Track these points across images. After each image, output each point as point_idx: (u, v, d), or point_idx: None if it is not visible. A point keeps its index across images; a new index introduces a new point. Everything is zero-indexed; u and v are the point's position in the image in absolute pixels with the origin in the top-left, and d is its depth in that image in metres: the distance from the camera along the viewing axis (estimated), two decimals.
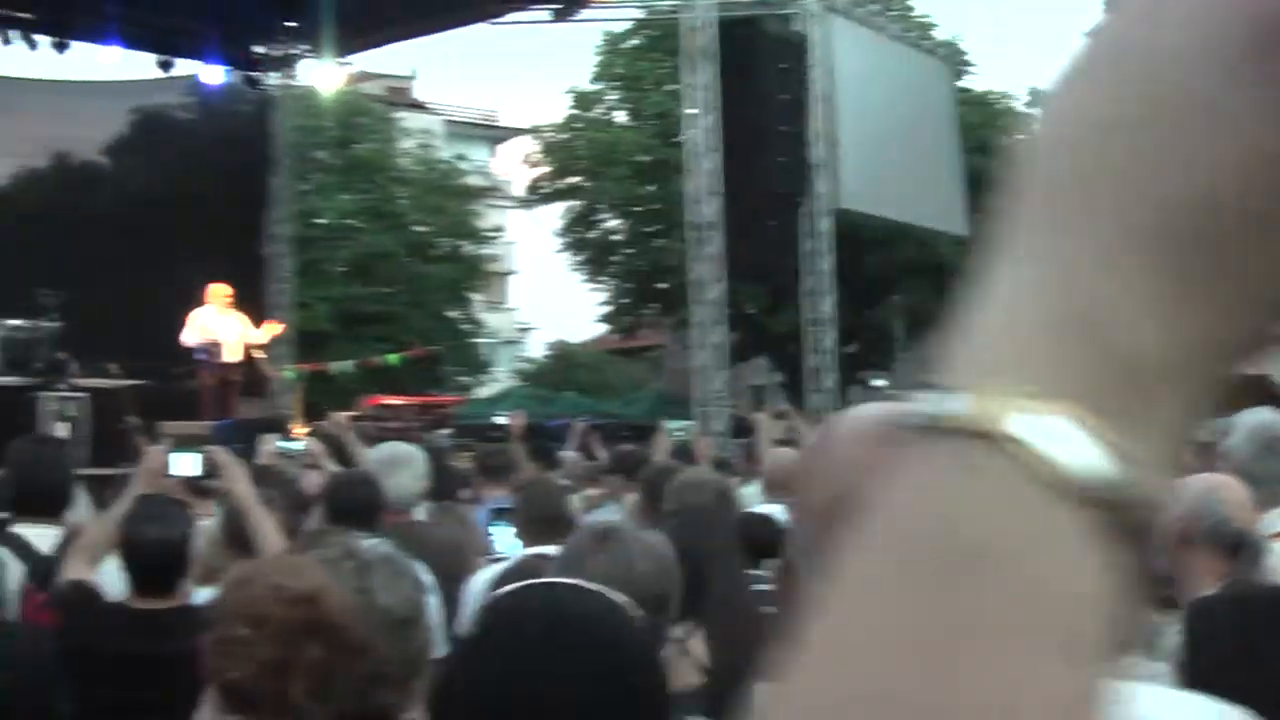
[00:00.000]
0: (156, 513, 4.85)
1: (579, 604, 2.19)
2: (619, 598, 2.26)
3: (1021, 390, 0.55)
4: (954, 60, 31.03)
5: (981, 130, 29.78)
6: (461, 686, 2.07)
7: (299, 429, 15.83)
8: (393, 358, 30.96)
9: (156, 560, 4.74)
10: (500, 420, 8.28)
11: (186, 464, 5.38)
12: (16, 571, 5.16)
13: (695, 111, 20.28)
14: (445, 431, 21.57)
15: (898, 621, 0.54)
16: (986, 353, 0.58)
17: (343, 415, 9.93)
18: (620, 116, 38.85)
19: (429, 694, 2.26)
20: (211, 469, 5.31)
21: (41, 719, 4.32)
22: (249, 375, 19.27)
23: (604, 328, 44.10)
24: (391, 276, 39.78)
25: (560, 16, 21.52)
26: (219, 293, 18.34)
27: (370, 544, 3.47)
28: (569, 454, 11.01)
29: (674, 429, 10.41)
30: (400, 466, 6.64)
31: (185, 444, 5.70)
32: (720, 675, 4.17)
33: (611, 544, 3.43)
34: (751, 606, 4.52)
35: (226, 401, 18.02)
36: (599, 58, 38.40)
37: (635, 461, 8.78)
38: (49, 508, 5.78)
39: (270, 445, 8.14)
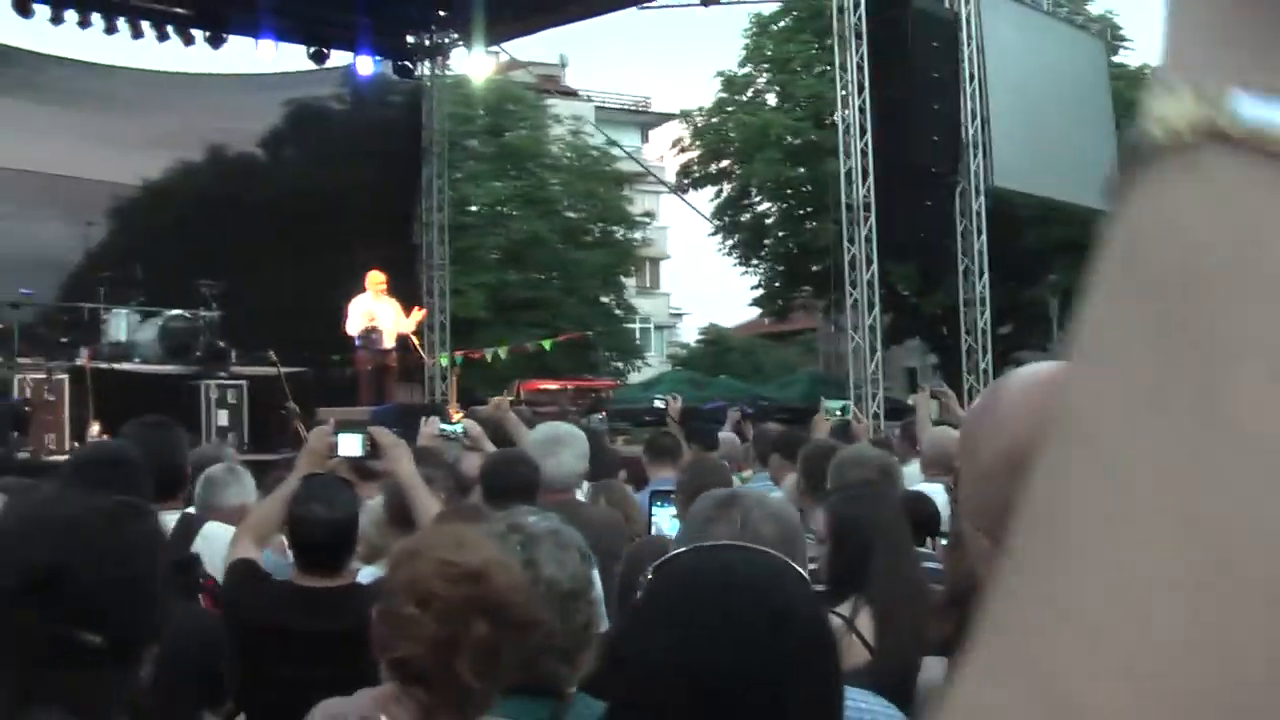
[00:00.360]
0: (322, 493, 4.92)
1: (749, 566, 2.17)
2: (787, 561, 2.24)
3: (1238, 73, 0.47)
4: (1108, 35, 30.42)
5: (1136, 106, 29.11)
6: (633, 653, 2.07)
7: (456, 413, 16.00)
8: (546, 343, 31.14)
9: (323, 539, 4.82)
10: (657, 404, 8.23)
11: (351, 445, 5.44)
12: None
13: (846, 92, 20.13)
14: (599, 415, 21.69)
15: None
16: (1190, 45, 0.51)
17: (501, 398, 9.97)
18: (770, 99, 38.65)
19: (599, 663, 2.26)
20: (375, 450, 5.37)
21: (207, 691, 4.42)
22: (405, 361, 19.51)
23: (756, 311, 43.92)
24: (544, 263, 39.99)
25: (708, 1, 21.45)
26: (375, 280, 18.58)
27: (535, 518, 3.49)
28: (727, 435, 10.98)
29: (832, 409, 10.29)
30: (562, 446, 6.65)
31: (349, 426, 5.75)
32: (888, 652, 4.14)
33: (734, 509, 3.41)
34: (919, 583, 4.43)
35: (383, 387, 18.25)
36: (747, 41, 38.25)
37: (795, 442, 8.65)
38: (167, 491, 5.87)
39: (431, 428, 8.18)
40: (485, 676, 2.79)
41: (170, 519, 5.91)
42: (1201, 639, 0.43)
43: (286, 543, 5.34)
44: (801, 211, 36.91)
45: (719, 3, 21.64)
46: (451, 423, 8.77)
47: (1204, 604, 0.43)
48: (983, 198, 21.12)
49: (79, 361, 16.76)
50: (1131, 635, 0.44)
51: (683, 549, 2.31)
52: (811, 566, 5.03)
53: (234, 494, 6.42)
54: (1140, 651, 0.43)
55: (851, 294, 20.14)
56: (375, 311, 18.40)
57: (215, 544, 5.55)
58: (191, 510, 6.26)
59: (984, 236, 21.22)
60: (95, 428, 15.81)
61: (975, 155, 20.76)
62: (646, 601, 2.13)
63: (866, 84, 19.76)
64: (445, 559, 2.84)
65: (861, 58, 19.73)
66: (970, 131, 20.66)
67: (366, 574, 5.11)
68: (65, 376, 16.46)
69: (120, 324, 18.17)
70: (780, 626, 2.07)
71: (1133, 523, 0.45)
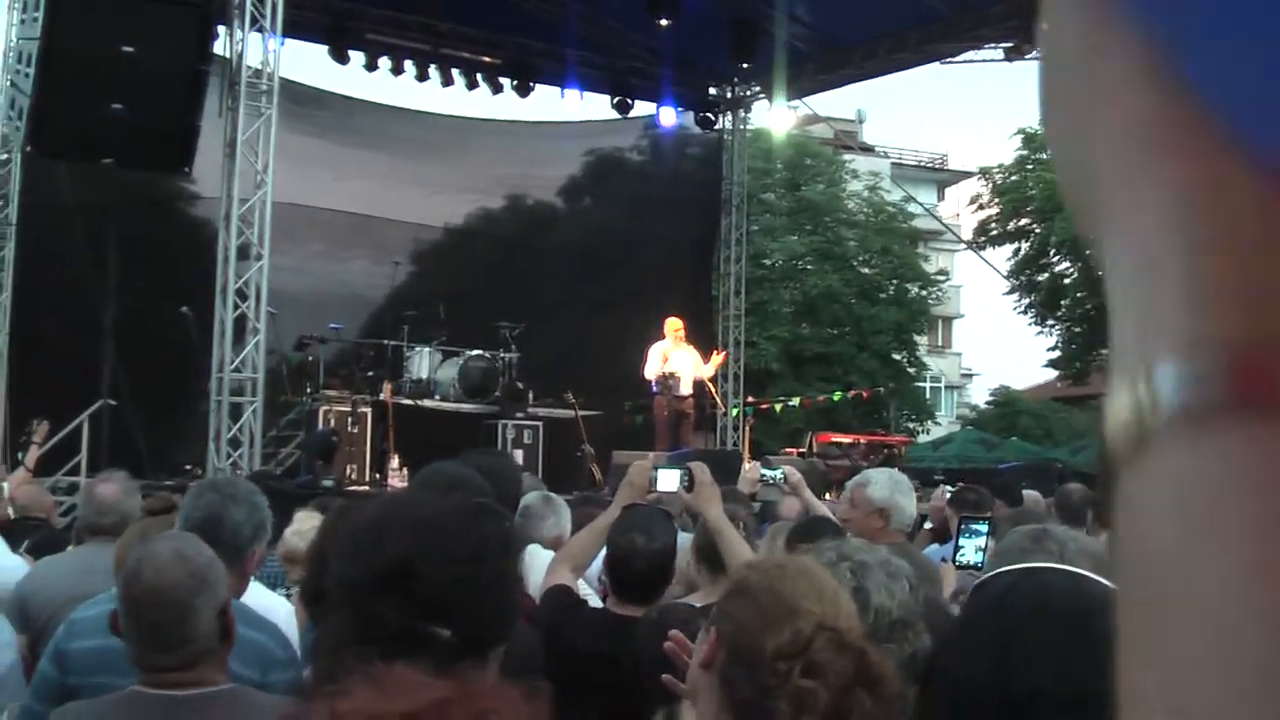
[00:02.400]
0: (643, 524, 4.94)
1: (1068, 586, 2.08)
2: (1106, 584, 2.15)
3: None
4: None
5: None
6: (951, 672, 2.00)
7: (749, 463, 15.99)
8: (836, 395, 31.00)
9: (641, 569, 4.82)
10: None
11: (670, 480, 5.45)
12: None
13: None
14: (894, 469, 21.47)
15: None
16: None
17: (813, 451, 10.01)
18: None
19: (919, 680, 2.18)
20: (691, 486, 5.35)
21: None
22: (700, 409, 19.57)
23: (1049, 374, 43.09)
24: (837, 317, 39.90)
25: (1011, 55, 21.11)
26: (674, 326, 18.67)
27: (861, 545, 3.44)
28: (1031, 494, 10.82)
29: None
30: (905, 490, 6.80)
31: (668, 463, 5.78)
32: None
33: (1049, 540, 3.29)
34: None
35: (679, 433, 18.32)
36: None
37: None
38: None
39: (754, 472, 8.24)
40: None
41: None
42: None
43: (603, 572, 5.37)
44: (1102, 272, 36.09)
45: (1022, 57, 21.21)
46: (773, 466, 8.80)
47: None
48: None
49: (381, 396, 17.25)
50: None
51: (1003, 569, 2.23)
52: None
53: (551, 525, 6.52)
54: None
55: None
56: (672, 358, 18.49)
57: (536, 565, 5.63)
58: None
59: None
60: (395, 460, 16.24)
61: None
62: (965, 620, 2.05)
63: None
64: (828, 624, 2.78)
65: None
66: None
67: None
68: (368, 410, 16.97)
69: (422, 362, 18.68)
70: (1102, 646, 1.96)
71: None
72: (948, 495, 9.90)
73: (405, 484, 13.46)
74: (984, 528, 6.41)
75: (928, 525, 10.37)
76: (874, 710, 2.70)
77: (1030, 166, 38.33)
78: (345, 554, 2.42)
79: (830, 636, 2.72)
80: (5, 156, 16.73)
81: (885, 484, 6.73)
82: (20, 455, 12.76)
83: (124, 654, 3.81)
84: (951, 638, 2.08)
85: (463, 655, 2.23)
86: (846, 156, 43.97)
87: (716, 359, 19.85)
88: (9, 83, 15.28)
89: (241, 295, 15.34)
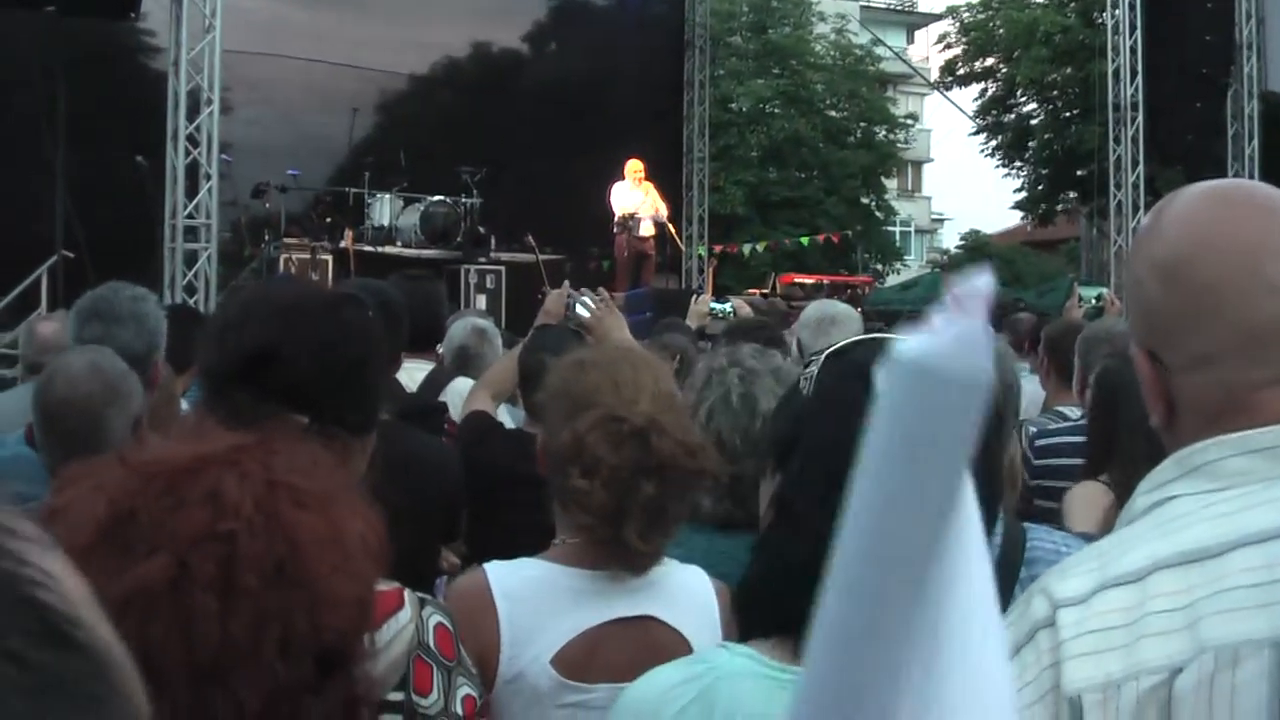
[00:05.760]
0: (551, 342, 4.98)
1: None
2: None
3: None
4: None
5: None
6: (818, 436, 2.05)
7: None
8: (804, 239, 31.01)
9: None
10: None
11: (586, 308, 5.48)
12: None
13: None
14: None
15: None
16: None
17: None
18: None
19: (771, 448, 2.23)
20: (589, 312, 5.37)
21: (448, 523, 4.54)
22: (663, 252, 19.60)
23: (1017, 217, 43.08)
24: (805, 162, 39.74)
25: None
26: (633, 168, 18.65)
27: (753, 350, 3.51)
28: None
29: (1087, 295, 10.08)
30: (839, 325, 6.37)
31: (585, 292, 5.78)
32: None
33: None
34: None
35: (641, 274, 18.38)
36: None
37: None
38: (423, 342, 6.11)
39: (703, 305, 8.24)
40: (652, 539, 2.81)
41: (423, 369, 6.08)
42: None
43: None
44: (1068, 114, 35.98)
45: None
46: (723, 301, 8.83)
47: None
48: (1255, 101, 20.32)
49: (343, 244, 17.23)
50: None
51: (854, 338, 2.28)
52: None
53: (491, 359, 6.51)
54: None
55: (1116, 195, 19.66)
56: (631, 199, 18.48)
57: (461, 397, 5.69)
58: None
59: (1255, 141, 20.44)
60: None
61: (1249, 57, 19.95)
62: (826, 389, 2.10)
63: None
64: (613, 415, 2.82)
65: None
66: (1245, 32, 19.86)
67: None
68: (329, 258, 16.96)
69: (384, 208, 18.65)
70: None
71: None
72: None
73: None
74: None
75: None
76: (665, 492, 2.78)
77: (997, 5, 38.00)
78: (210, 341, 2.48)
79: (607, 430, 2.78)
80: None
81: (811, 325, 6.45)
82: None
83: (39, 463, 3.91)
84: (819, 403, 2.13)
85: (322, 445, 2.29)
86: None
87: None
88: None
89: (193, 141, 15.28)
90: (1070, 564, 1.70)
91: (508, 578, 2.87)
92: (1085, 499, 4.27)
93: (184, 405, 5.07)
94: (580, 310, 5.50)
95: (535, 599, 2.84)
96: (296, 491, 1.54)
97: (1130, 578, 1.58)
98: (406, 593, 2.26)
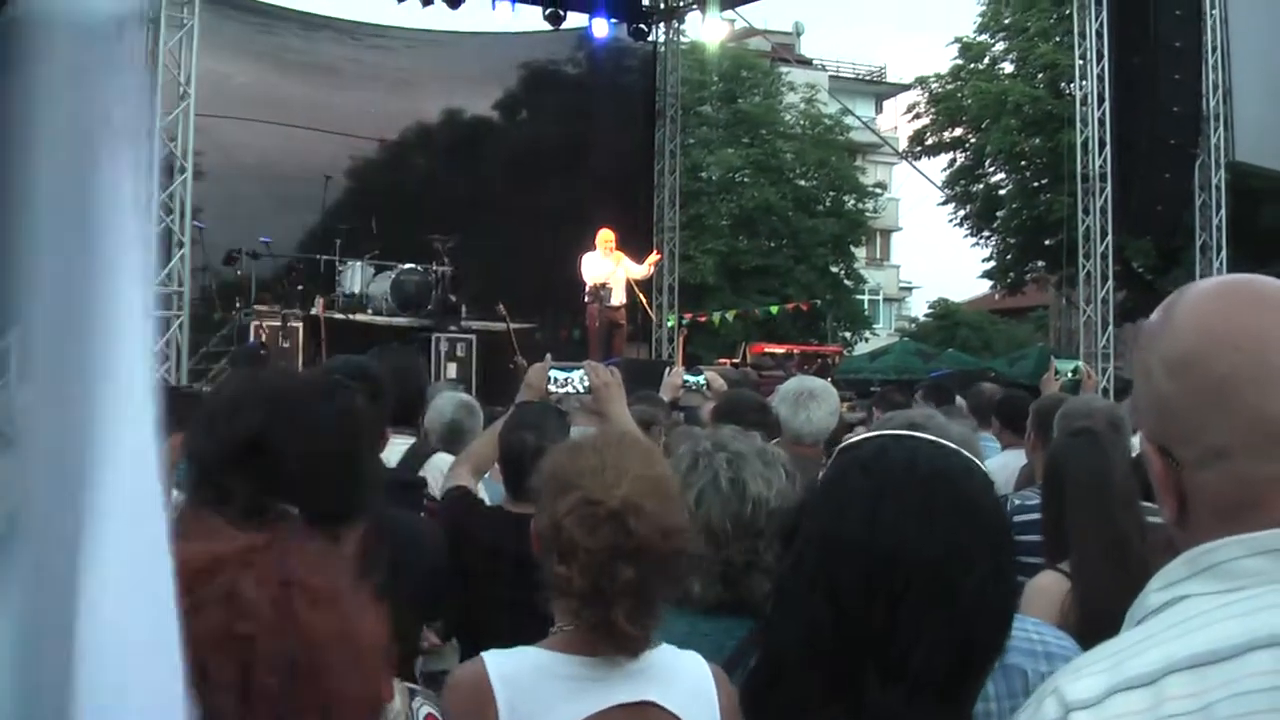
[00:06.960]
0: (533, 421, 4.96)
1: (936, 455, 2.14)
2: (971, 457, 2.20)
3: None
4: None
5: None
6: (817, 528, 2.05)
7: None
8: (773, 309, 31.10)
9: (530, 466, 4.84)
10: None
11: (569, 382, 5.46)
12: None
13: (1084, 60, 19.75)
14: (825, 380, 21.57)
15: None
16: None
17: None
18: (1007, 67, 38.01)
19: (781, 535, 2.24)
20: (592, 386, 5.36)
21: (429, 601, 4.50)
22: (634, 322, 19.62)
23: (986, 285, 43.30)
24: (775, 230, 39.93)
25: None
26: (604, 238, 18.68)
27: (737, 433, 3.49)
28: (960, 403, 10.87)
29: (1063, 369, 10.09)
30: (817, 400, 6.51)
31: (567, 365, 5.75)
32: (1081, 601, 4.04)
33: (925, 422, 3.36)
34: (1126, 536, 4.21)
35: (612, 344, 18.38)
36: (984, 7, 37.73)
37: (1017, 404, 8.40)
38: (404, 416, 6.08)
39: (676, 378, 8.24)
40: (639, 622, 2.78)
41: (403, 444, 6.04)
42: None
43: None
44: (1037, 184, 36.20)
45: None
46: (696, 373, 8.82)
47: None
48: (1223, 172, 20.47)
49: (314, 311, 17.19)
50: None
51: (868, 434, 2.29)
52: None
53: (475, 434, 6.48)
54: None
55: (1085, 265, 19.76)
56: (602, 269, 18.50)
57: (441, 473, 5.66)
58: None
59: (1223, 212, 20.57)
60: None
61: (1216, 128, 20.11)
62: (829, 482, 2.11)
63: (1106, 52, 19.36)
64: (590, 499, 2.79)
65: (1101, 25, 19.36)
66: (1211, 103, 20.02)
67: None
68: (300, 325, 16.92)
69: (355, 276, 18.62)
70: (965, 513, 2.05)
71: None
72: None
73: None
74: None
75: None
76: (645, 575, 2.75)
77: (966, 76, 38.30)
78: (200, 428, 2.45)
79: (583, 514, 2.76)
80: None
81: (790, 399, 6.53)
82: None
83: None
84: (820, 495, 2.14)
85: (311, 532, 2.26)
86: (784, 69, 43.87)
87: (652, 257, 19.88)
88: None
89: (166, 209, 15.26)
90: (1082, 663, 1.69)
91: (506, 666, 2.85)
92: (1042, 590, 4.22)
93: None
94: (578, 385, 5.47)
95: (535, 687, 2.82)
96: (310, 591, 1.54)
97: (1144, 680, 1.57)
98: (396, 682, 2.23)
